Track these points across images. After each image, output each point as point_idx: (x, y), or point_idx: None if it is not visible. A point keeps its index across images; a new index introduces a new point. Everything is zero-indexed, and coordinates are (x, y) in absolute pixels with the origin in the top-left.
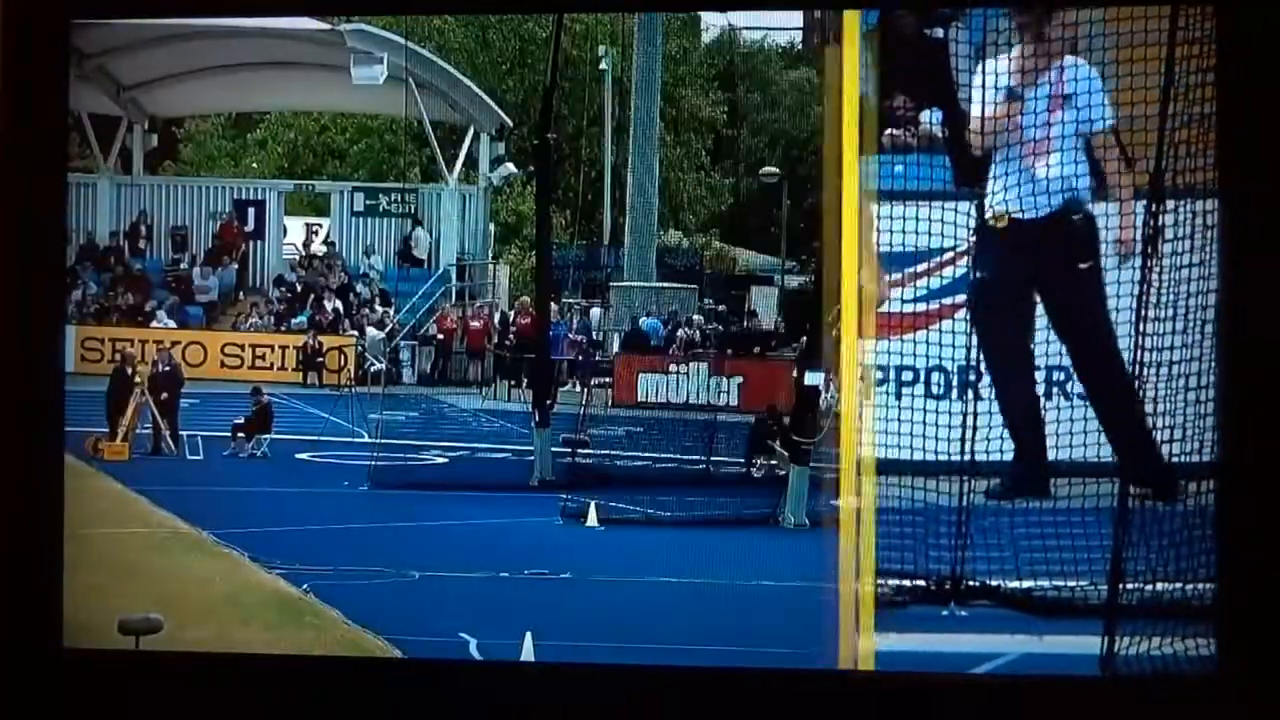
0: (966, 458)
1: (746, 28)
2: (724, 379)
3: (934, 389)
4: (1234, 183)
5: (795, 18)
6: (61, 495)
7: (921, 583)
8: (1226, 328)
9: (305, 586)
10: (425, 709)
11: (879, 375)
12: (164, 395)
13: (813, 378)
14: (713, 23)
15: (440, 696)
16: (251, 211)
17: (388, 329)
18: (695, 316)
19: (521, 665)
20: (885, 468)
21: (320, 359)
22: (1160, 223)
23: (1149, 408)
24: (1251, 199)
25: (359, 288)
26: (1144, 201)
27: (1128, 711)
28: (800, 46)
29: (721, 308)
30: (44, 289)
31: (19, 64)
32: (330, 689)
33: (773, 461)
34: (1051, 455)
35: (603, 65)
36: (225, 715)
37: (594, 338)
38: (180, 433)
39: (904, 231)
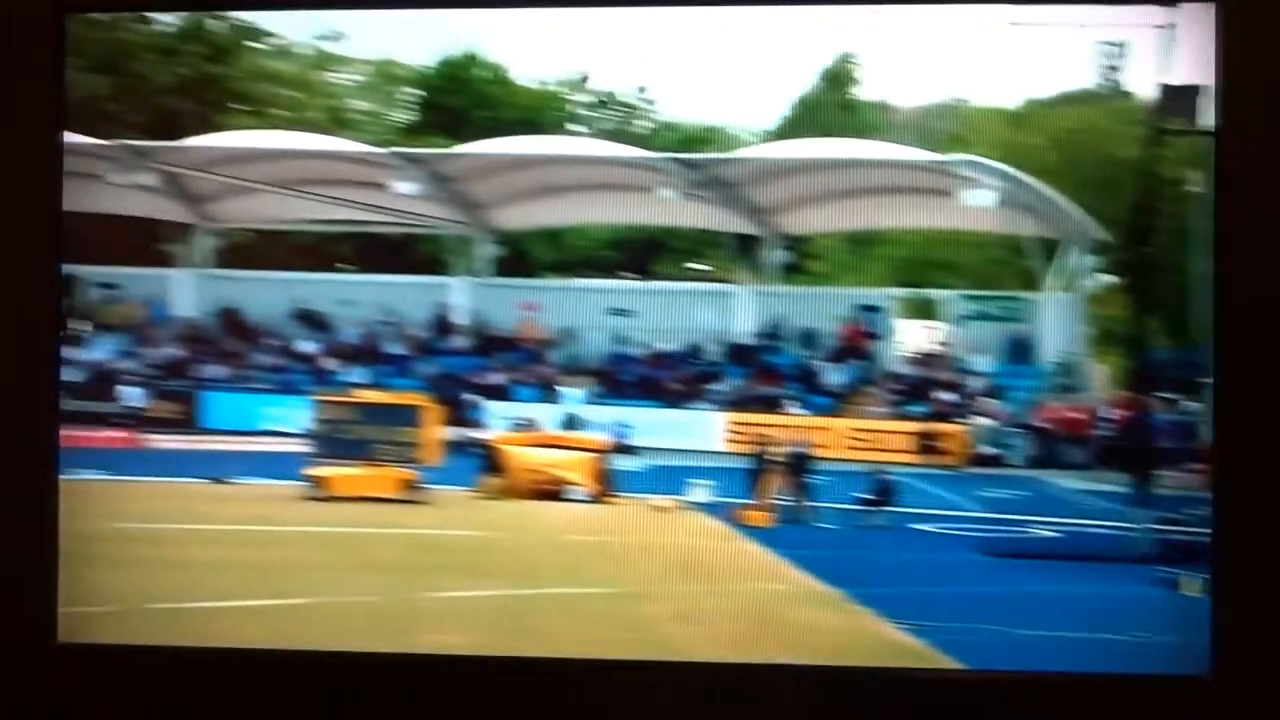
0: None
1: None
2: None
3: None
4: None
5: None
6: (56, 491)
7: None
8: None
9: (925, 643)
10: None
11: None
12: (798, 472)
13: None
14: None
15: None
16: (871, 316)
17: (997, 418)
18: None
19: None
20: None
21: (935, 443)
22: None
23: None
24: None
25: (968, 382)
26: None
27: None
28: None
29: None
30: (38, 291)
31: (16, 61)
32: (335, 686)
33: None
34: None
35: (1191, 186)
36: (224, 713)
37: (1187, 428)
38: (813, 504)
39: None
